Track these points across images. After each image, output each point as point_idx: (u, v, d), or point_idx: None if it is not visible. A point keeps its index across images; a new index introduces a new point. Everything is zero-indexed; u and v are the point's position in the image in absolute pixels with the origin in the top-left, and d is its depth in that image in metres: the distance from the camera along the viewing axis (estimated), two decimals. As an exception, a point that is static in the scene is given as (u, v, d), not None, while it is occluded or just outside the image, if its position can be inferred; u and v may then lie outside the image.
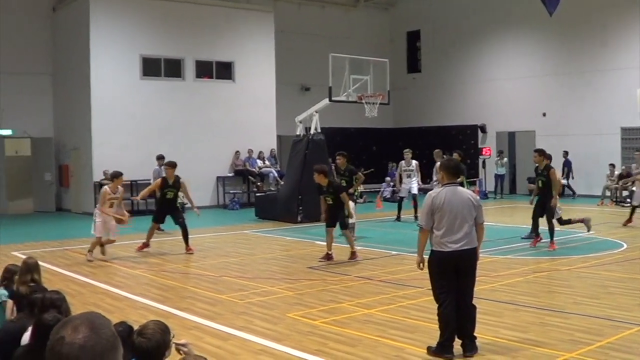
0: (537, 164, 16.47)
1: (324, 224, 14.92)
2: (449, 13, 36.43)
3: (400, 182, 22.52)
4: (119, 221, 15.57)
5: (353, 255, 14.73)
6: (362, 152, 33.90)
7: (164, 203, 16.89)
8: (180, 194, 26.24)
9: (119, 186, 15.62)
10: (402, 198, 22.36)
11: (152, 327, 4.60)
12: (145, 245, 16.68)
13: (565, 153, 29.64)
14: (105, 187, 15.87)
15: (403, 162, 22.46)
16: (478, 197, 8.35)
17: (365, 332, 8.78)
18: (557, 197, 16.16)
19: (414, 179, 22.01)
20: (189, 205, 25.88)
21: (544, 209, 16.12)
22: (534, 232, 16.43)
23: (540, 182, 16.28)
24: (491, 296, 10.67)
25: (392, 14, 39.32)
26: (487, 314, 9.44)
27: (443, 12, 36.72)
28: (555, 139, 30.81)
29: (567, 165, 29.73)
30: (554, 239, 15.84)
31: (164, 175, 17.50)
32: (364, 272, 13.21)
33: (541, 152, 16.51)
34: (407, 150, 22.70)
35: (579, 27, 31.14)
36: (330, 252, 14.69)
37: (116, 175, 15.74)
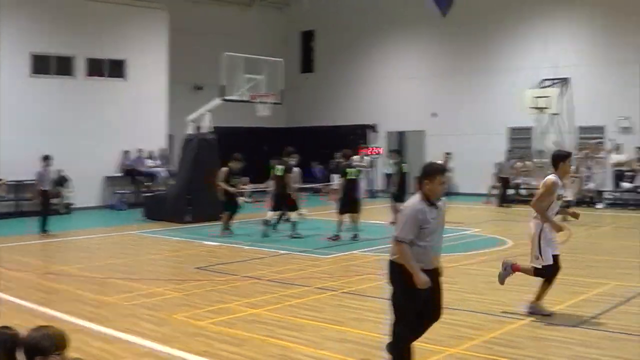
0: None
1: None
2: (343, 14, 36.76)
3: None
4: None
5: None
6: (253, 152, 33.71)
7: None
8: (67, 191, 25.69)
9: None
10: None
11: (38, 328, 4.48)
12: None
13: None
14: None
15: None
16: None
17: (253, 332, 8.74)
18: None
19: None
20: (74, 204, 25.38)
21: None
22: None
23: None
24: (380, 294, 10.78)
25: (286, 13, 39.38)
26: (375, 311, 9.59)
27: (337, 12, 37.02)
28: (445, 139, 31.48)
29: None
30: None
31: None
32: (252, 271, 13.16)
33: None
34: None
35: (469, 27, 31.92)
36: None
37: None
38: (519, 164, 28.73)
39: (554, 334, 8.63)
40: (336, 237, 17.14)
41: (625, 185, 26.17)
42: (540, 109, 29.19)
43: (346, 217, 17.50)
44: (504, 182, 27.49)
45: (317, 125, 36.94)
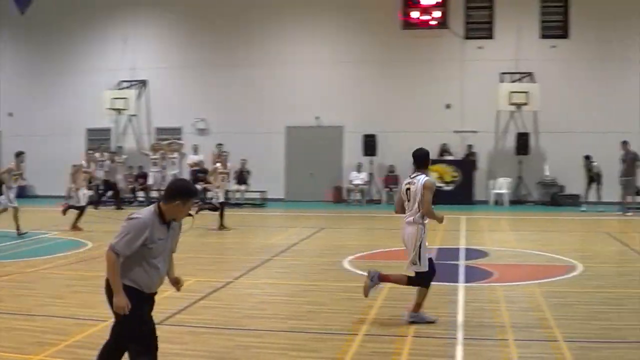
0: None
1: None
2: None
3: None
4: None
5: None
6: None
7: None
8: None
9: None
10: None
11: None
12: None
13: None
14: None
15: None
16: None
17: None
18: None
19: None
20: None
21: None
22: None
23: None
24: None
25: None
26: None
27: None
28: (22, 140, 30.39)
29: None
30: None
31: None
32: None
33: None
34: None
35: (50, 28, 31.65)
36: None
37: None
38: (97, 154, 28.67)
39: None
40: None
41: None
42: (119, 110, 29.52)
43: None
44: (112, 186, 27.42)
45: None
